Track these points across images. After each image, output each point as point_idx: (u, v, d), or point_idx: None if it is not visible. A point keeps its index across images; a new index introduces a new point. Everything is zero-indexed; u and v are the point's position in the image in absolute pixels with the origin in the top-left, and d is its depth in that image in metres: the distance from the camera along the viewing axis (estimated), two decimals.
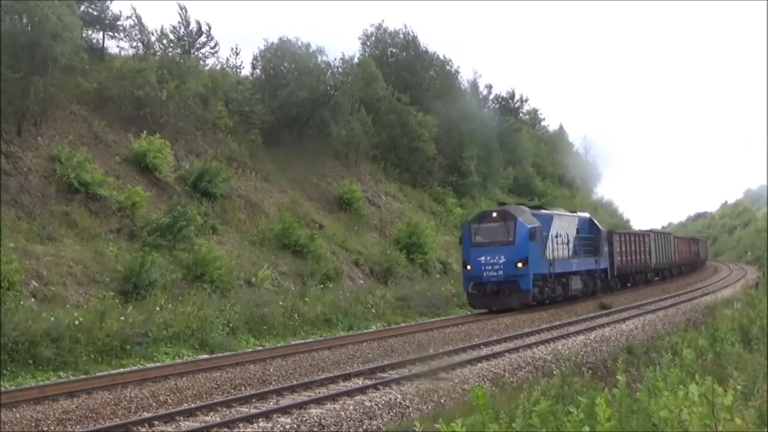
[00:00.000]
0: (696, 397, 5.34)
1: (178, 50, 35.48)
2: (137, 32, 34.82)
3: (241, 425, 11.98)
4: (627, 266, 42.03)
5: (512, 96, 65.61)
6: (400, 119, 45.84)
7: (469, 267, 29.43)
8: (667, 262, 52.33)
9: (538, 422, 6.47)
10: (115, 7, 40.00)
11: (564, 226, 33.15)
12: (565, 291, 32.56)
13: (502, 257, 28.77)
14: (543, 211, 33.01)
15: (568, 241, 32.96)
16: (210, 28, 37.97)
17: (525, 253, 28.83)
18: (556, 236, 31.61)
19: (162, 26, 37.50)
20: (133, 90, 30.82)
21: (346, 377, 15.90)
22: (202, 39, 37.83)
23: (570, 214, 36.25)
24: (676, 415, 5.37)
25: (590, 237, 36.09)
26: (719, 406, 5.17)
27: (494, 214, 30.12)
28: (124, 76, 31.16)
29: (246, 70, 41.73)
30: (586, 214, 38.77)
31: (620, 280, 41.57)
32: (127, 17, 34.95)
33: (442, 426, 5.61)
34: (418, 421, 7.85)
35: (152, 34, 35.47)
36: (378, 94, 45.00)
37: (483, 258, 28.95)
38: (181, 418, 12.53)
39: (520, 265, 28.67)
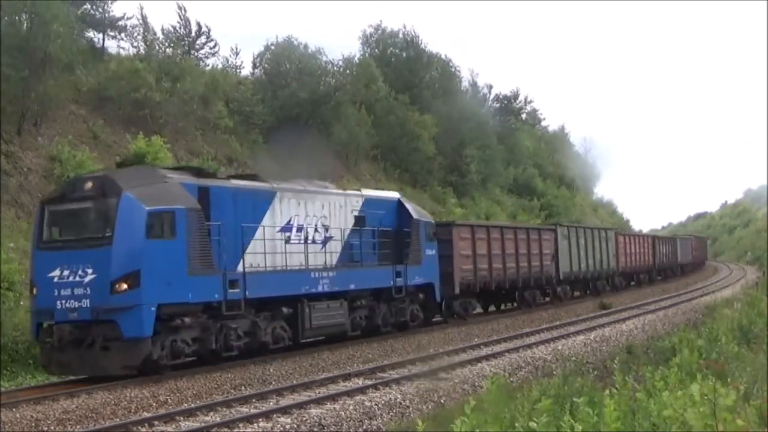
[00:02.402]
0: (698, 397, 5.34)
1: (178, 51, 35.50)
2: (141, 32, 34.84)
3: (241, 425, 11.97)
4: (499, 276, 29.04)
5: (516, 96, 65.65)
6: (399, 119, 45.86)
7: (35, 291, 16.08)
8: (599, 269, 38.71)
9: (543, 422, 6.46)
10: (115, 8, 39.85)
11: (309, 210, 20.18)
12: (296, 336, 19.09)
13: (89, 272, 15.33)
14: (227, 181, 18.51)
15: (327, 239, 20.55)
16: (210, 29, 38.02)
17: (133, 264, 15.38)
18: (283, 229, 19.16)
19: (162, 26, 37.46)
20: (131, 91, 30.81)
21: (346, 377, 15.89)
22: (202, 39, 37.88)
23: (326, 190, 21.66)
24: (679, 414, 5.37)
25: (389, 231, 22.81)
26: (721, 406, 5.17)
27: (88, 185, 16.22)
28: (122, 77, 31.15)
29: (246, 70, 41.80)
30: (388, 194, 25.14)
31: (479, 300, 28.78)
32: (128, 18, 34.99)
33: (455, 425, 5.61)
34: (420, 419, 7.86)
35: (154, 33, 35.55)
36: (377, 95, 45.00)
37: (57, 273, 15.53)
38: (181, 418, 12.52)
39: (122, 287, 15.22)
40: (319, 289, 19.71)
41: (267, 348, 18.25)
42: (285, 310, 18.76)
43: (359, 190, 23.91)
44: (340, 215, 21.36)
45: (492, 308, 31.48)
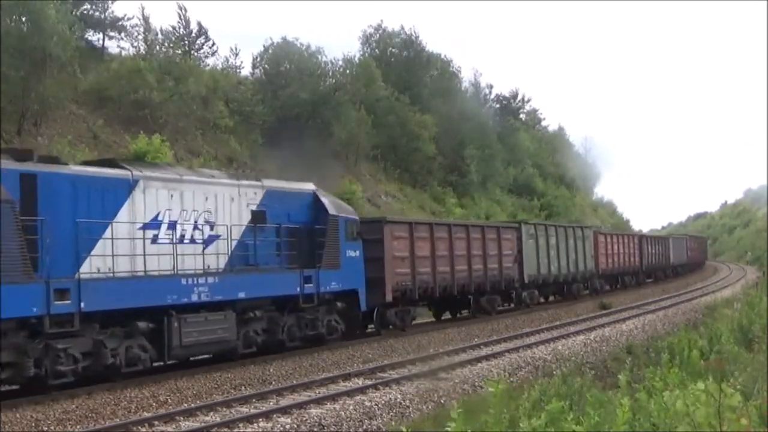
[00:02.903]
0: (702, 397, 5.33)
1: (178, 51, 35.52)
2: (142, 32, 34.86)
3: (241, 425, 11.97)
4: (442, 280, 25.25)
5: (515, 96, 65.79)
6: (399, 119, 45.87)
7: None
8: (574, 272, 35.11)
9: (546, 423, 6.46)
10: (115, 7, 39.89)
11: (186, 203, 16.70)
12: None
13: None
14: (65, 166, 15.01)
15: (211, 238, 17.24)
16: (209, 29, 38.05)
17: None
18: (148, 226, 15.83)
19: (161, 26, 37.48)
20: (131, 91, 30.82)
21: (346, 377, 15.89)
22: (202, 39, 37.90)
23: (211, 179, 17.90)
24: (690, 411, 5.37)
25: (299, 229, 19.46)
26: (725, 406, 5.16)
27: None
28: (122, 77, 31.17)
29: (246, 70, 41.80)
30: (299, 186, 20.61)
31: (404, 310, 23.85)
32: (128, 18, 35.00)
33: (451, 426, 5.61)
34: (404, 427, 7.85)
35: (156, 35, 35.55)
36: (377, 95, 45.01)
37: None
38: (181, 418, 12.52)
39: None
40: (194, 298, 16.00)
41: (118, 372, 14.88)
42: (143, 325, 15.11)
43: (259, 180, 19.66)
44: (231, 210, 17.74)
45: (449, 315, 28.65)
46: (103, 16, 34.41)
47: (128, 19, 34.96)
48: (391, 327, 23.21)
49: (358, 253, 20.88)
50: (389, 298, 22.36)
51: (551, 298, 35.85)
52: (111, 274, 14.88)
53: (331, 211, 20.13)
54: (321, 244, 19.56)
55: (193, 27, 37.73)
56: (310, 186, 20.67)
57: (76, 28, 29.17)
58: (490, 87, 63.20)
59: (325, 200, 20.36)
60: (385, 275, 22.19)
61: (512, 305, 30.77)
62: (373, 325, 22.91)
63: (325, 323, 19.86)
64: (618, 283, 43.75)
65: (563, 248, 34.01)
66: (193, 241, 16.79)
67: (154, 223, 15.97)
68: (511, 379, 15.72)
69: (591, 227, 41.25)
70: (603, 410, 6.98)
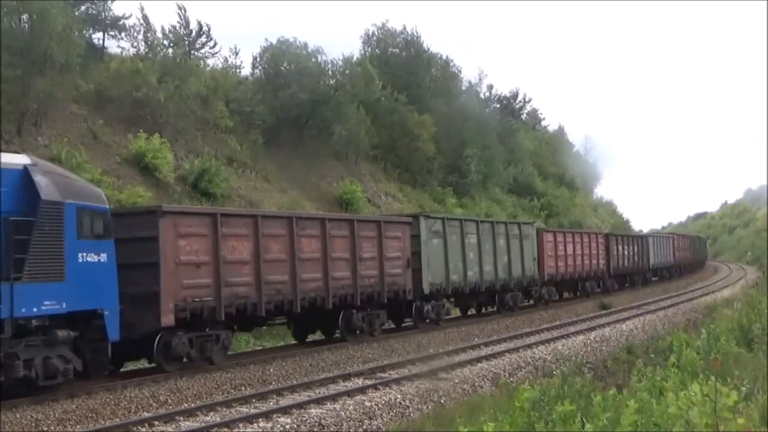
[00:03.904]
0: (699, 396, 5.34)
1: (179, 50, 35.50)
2: (142, 32, 34.83)
3: (241, 425, 11.98)
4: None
5: (515, 96, 65.84)
6: (399, 119, 45.85)
7: None
8: (507, 278, 29.03)
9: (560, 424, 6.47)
10: (115, 7, 39.92)
11: None
12: None
13: None
14: None
15: None
16: (210, 28, 38.01)
17: None
18: None
19: (162, 26, 37.45)
20: (132, 90, 30.81)
21: (346, 377, 15.90)
22: (202, 39, 37.87)
23: None
24: (684, 412, 5.37)
25: None
26: (722, 406, 5.17)
27: None
28: (123, 77, 31.16)
29: (246, 70, 41.76)
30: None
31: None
32: (127, 17, 34.97)
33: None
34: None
35: (155, 34, 35.52)
36: (375, 95, 44.97)
37: None
38: (181, 418, 12.53)
39: None
40: None
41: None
42: None
43: None
44: None
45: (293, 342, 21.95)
46: (103, 16, 34.39)
47: (127, 18, 34.96)
48: (185, 359, 16.60)
49: (105, 257, 14.36)
50: (167, 321, 15.71)
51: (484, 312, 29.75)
52: None
53: (48, 194, 13.32)
54: (23, 244, 12.86)
55: (194, 27, 37.73)
56: (18, 159, 13.89)
57: (77, 28, 29.11)
58: (490, 87, 63.29)
59: (40, 179, 13.39)
60: (161, 289, 15.64)
61: (410, 323, 24.40)
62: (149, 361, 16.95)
63: (37, 363, 13.13)
64: (577, 291, 38.08)
65: (489, 249, 27.62)
66: None
67: None
68: (511, 379, 15.73)
69: (529, 223, 33.76)
70: (612, 413, 6.96)
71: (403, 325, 24.54)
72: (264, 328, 21.52)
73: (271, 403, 13.55)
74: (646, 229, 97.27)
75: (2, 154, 13.90)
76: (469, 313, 29.50)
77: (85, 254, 13.93)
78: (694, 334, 16.00)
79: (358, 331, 21.27)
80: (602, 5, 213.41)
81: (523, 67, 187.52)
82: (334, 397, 13.83)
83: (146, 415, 12.77)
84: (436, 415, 12.27)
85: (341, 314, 20.78)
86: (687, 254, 62.74)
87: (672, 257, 55.13)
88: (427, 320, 24.43)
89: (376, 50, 52.25)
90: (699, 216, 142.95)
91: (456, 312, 28.81)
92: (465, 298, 27.67)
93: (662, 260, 51.64)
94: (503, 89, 71.53)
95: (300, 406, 13.14)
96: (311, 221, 20.17)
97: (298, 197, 36.01)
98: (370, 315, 21.82)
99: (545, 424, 7.02)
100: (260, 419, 12.32)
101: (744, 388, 7.24)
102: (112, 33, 34.86)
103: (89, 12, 34.04)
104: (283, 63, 40.37)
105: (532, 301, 32.69)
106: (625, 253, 43.39)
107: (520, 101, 66.90)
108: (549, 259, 33.02)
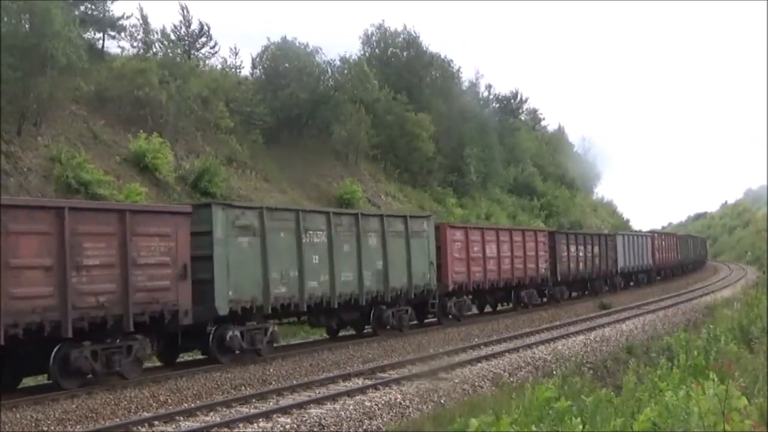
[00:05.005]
0: (711, 396, 5.33)
1: (179, 50, 35.54)
2: (141, 32, 34.87)
3: (241, 425, 11.98)
4: None
5: (515, 96, 65.96)
6: (398, 119, 45.88)
7: None
8: (374, 288, 21.60)
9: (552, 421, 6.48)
10: (115, 7, 39.96)
11: None
12: None
13: None
14: None
15: None
16: (210, 28, 38.06)
17: None
18: None
19: (163, 26, 37.50)
20: (133, 90, 30.84)
21: (346, 377, 15.90)
22: (203, 39, 37.93)
23: None
24: (685, 409, 5.37)
25: None
26: (731, 406, 5.17)
27: None
28: (125, 77, 31.18)
29: (246, 70, 41.81)
30: None
31: None
32: (128, 17, 35.01)
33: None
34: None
35: (155, 34, 35.58)
36: (374, 95, 44.99)
37: None
38: (181, 418, 12.53)
39: None
40: None
41: None
42: None
43: None
44: None
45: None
46: (103, 16, 34.43)
47: (127, 18, 35.01)
48: None
49: None
50: None
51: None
52: None
53: None
54: None
55: (195, 27, 37.78)
56: None
57: (77, 29, 29.12)
58: (489, 87, 63.41)
59: None
60: None
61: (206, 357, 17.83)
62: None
63: None
64: (509, 301, 30.69)
65: (350, 251, 20.67)
66: None
67: None
68: (511, 378, 15.74)
69: (426, 216, 25.28)
70: (605, 410, 6.98)
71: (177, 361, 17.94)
72: None
73: (271, 403, 13.55)
74: (646, 229, 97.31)
75: None
76: (339, 334, 22.86)
77: None
78: (694, 334, 15.99)
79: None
80: (602, 5, 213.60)
81: (522, 67, 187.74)
82: (334, 397, 13.83)
83: (146, 415, 12.77)
84: (436, 415, 12.27)
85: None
86: (672, 256, 55.77)
87: (650, 260, 47.91)
88: (238, 352, 17.49)
89: (376, 50, 52.30)
90: (699, 216, 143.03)
91: (313, 333, 23.40)
92: (317, 316, 20.58)
93: (636, 263, 44.41)
94: (503, 89, 71.67)
95: (300, 406, 13.14)
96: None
97: (298, 197, 36.03)
98: (130, 348, 15.17)
99: (543, 424, 7.03)
100: (260, 419, 12.33)
101: (745, 388, 7.24)
102: (111, 34, 34.92)
103: (89, 12, 34.07)
104: (283, 63, 40.41)
105: (434, 317, 25.35)
106: (580, 254, 36.25)
107: (519, 101, 67.04)
108: (457, 263, 25.80)
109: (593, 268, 38.01)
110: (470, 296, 26.86)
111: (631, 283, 45.23)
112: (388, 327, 22.53)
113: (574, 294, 36.97)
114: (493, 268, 28.04)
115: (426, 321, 25.29)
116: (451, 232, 25.93)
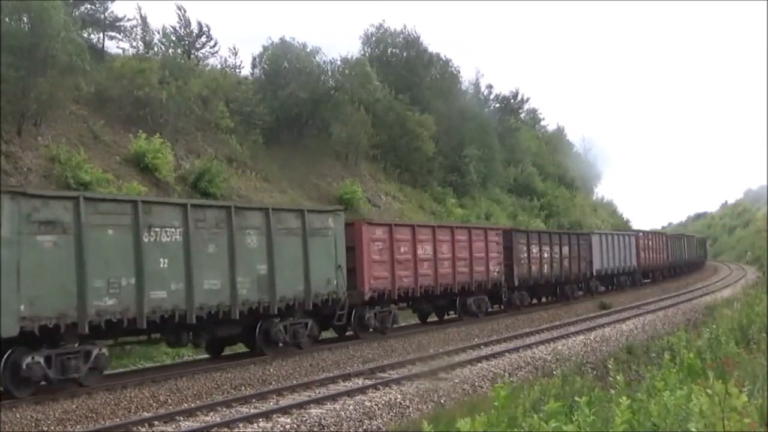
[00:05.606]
0: (712, 395, 5.33)
1: (179, 50, 35.54)
2: (140, 32, 34.87)
3: (241, 425, 11.99)
4: None
5: (515, 96, 65.96)
6: (397, 119, 45.88)
7: None
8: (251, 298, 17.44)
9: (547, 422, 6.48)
10: (115, 7, 39.99)
11: None
12: None
13: None
14: None
15: None
16: (210, 28, 38.04)
17: None
18: None
19: (163, 26, 37.50)
20: (133, 90, 30.84)
21: (346, 377, 15.91)
22: (202, 39, 37.92)
23: None
24: (691, 411, 5.38)
25: None
26: (730, 406, 5.17)
27: None
28: (125, 77, 31.19)
29: (246, 70, 41.80)
30: None
31: None
32: (128, 19, 35.01)
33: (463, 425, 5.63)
34: (425, 420, 7.90)
35: (156, 34, 35.58)
36: (374, 95, 44.98)
37: None
38: (181, 418, 12.53)
39: None
40: None
41: None
42: None
43: None
44: None
45: None
46: (102, 16, 34.43)
47: (128, 20, 35.00)
48: None
49: None
50: None
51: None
52: None
53: None
54: None
55: (194, 27, 37.77)
56: None
57: (77, 29, 29.13)
58: (490, 87, 63.37)
59: None
60: None
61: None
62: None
63: None
64: (452, 310, 26.76)
65: (219, 253, 16.82)
66: None
67: None
68: (512, 379, 15.74)
69: (333, 211, 20.77)
70: (598, 408, 6.98)
71: None
72: None
73: (271, 403, 13.56)
74: (646, 229, 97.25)
75: None
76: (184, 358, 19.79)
77: None
78: (694, 334, 16.00)
79: None
80: (602, 5, 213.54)
81: (522, 67, 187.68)
82: (334, 397, 13.84)
83: (146, 415, 12.78)
84: (436, 415, 12.27)
85: None
86: (661, 257, 51.83)
87: (634, 261, 44.34)
88: (44, 383, 14.06)
89: (376, 50, 52.30)
90: (699, 216, 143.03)
91: (161, 355, 19.82)
92: (175, 334, 16.62)
93: (617, 265, 41.09)
94: (503, 89, 71.69)
95: (300, 406, 13.15)
96: None
97: (298, 197, 36.03)
98: None
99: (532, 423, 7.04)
100: (260, 419, 12.33)
101: (745, 389, 7.24)
102: (111, 34, 34.92)
103: (89, 12, 34.07)
104: (283, 63, 40.41)
105: (347, 332, 22.13)
106: (545, 256, 32.37)
107: (519, 101, 67.02)
108: (378, 267, 21.93)
109: (562, 271, 33.80)
110: (397, 305, 23.34)
111: (611, 287, 41.41)
112: (279, 344, 18.67)
113: (543, 300, 33.83)
114: (428, 272, 23.95)
115: (347, 335, 22.01)
116: (368, 230, 21.78)
